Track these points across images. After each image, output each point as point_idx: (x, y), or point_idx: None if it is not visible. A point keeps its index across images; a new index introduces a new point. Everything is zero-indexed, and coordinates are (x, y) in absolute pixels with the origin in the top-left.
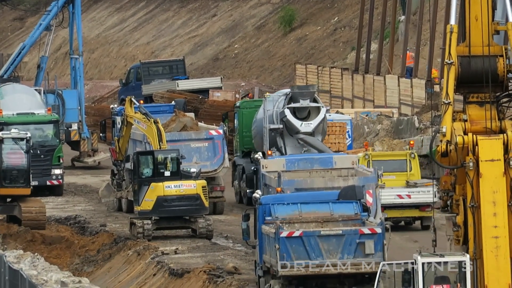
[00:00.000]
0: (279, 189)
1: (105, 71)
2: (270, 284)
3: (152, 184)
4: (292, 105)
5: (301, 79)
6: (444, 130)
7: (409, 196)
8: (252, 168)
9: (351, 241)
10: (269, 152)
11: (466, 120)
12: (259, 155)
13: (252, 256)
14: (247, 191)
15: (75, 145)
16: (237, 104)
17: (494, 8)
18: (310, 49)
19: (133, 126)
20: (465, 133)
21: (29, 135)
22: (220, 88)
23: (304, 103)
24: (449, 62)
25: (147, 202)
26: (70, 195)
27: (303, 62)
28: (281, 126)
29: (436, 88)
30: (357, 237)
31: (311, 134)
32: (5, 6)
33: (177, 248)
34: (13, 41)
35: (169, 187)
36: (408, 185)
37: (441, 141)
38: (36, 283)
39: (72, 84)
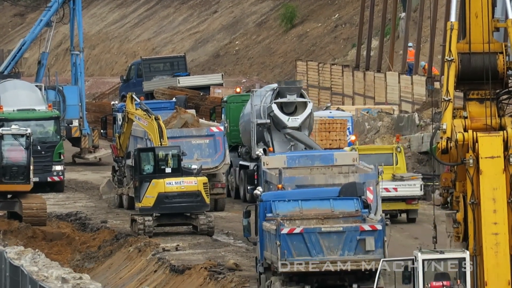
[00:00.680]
0: (280, 186)
1: (106, 67)
2: (271, 281)
3: (153, 180)
4: (279, 100)
5: (302, 76)
6: (444, 127)
7: (395, 189)
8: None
9: (352, 237)
10: (270, 149)
11: (466, 117)
12: (260, 152)
13: (253, 253)
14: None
15: (76, 141)
16: (224, 98)
17: (494, 5)
18: (311, 46)
19: (134, 123)
20: (465, 130)
21: (29, 131)
22: (221, 84)
23: (291, 98)
24: (449, 59)
25: (148, 198)
26: (71, 191)
27: (304, 59)
28: (268, 121)
29: (437, 85)
30: (358, 234)
31: (298, 129)
32: (5, 2)
33: (178, 245)
34: (13, 37)
35: (170, 183)
36: (394, 178)
37: (441, 138)
38: (37, 280)
39: (73, 80)
